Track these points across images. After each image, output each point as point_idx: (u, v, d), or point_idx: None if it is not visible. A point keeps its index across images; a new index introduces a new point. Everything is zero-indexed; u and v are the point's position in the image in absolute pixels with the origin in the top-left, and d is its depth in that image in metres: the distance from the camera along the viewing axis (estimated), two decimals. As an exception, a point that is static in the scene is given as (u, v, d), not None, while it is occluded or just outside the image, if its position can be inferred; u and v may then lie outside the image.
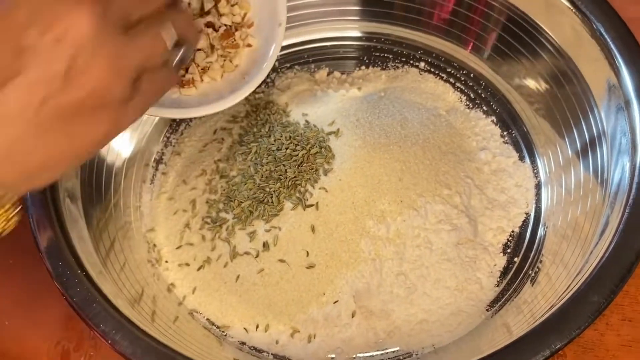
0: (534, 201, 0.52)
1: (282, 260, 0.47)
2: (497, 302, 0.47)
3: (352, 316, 0.46)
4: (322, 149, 0.50)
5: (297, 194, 0.48)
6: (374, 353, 0.46)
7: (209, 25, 0.46)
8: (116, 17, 0.30)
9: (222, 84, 0.46)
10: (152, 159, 0.55)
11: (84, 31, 0.29)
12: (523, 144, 0.54)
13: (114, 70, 0.30)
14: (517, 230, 0.50)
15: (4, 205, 0.33)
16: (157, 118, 0.56)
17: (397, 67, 0.60)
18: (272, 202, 0.48)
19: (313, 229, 0.47)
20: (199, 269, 0.49)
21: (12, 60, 0.28)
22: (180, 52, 0.35)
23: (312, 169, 0.49)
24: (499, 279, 0.48)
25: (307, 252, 0.47)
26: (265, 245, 0.48)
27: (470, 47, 0.58)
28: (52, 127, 0.29)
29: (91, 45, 0.29)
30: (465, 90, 0.58)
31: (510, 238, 0.50)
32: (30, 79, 0.28)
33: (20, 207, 0.35)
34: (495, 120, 0.56)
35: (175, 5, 0.35)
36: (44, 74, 0.28)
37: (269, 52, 0.46)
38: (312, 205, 0.48)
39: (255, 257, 0.48)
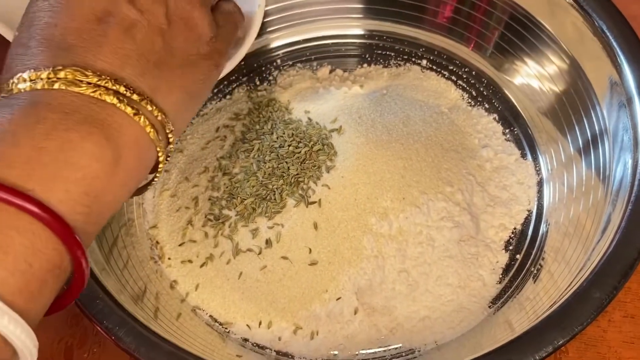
0: (535, 198, 0.52)
1: (284, 257, 0.47)
2: (500, 299, 0.47)
3: (355, 313, 0.46)
4: (325, 146, 0.50)
5: (300, 191, 0.49)
6: (377, 350, 0.46)
7: None
8: None
9: None
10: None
11: None
12: (525, 142, 0.54)
13: (198, 6, 0.34)
14: (519, 227, 0.50)
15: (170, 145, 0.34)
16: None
17: (399, 65, 0.60)
18: (275, 199, 0.49)
19: (316, 226, 0.48)
20: (201, 266, 0.49)
21: (126, 9, 0.31)
22: None
23: (314, 166, 0.49)
24: (501, 276, 0.48)
25: (310, 249, 0.47)
26: (268, 242, 0.48)
27: (472, 45, 0.58)
28: (176, 62, 0.33)
29: None
30: (467, 88, 0.58)
31: (512, 235, 0.50)
32: (147, 23, 0.31)
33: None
34: (497, 117, 0.56)
35: None
36: (155, 17, 0.32)
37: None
38: (314, 202, 0.48)
39: (258, 254, 0.48)
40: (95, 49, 0.29)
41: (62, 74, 0.27)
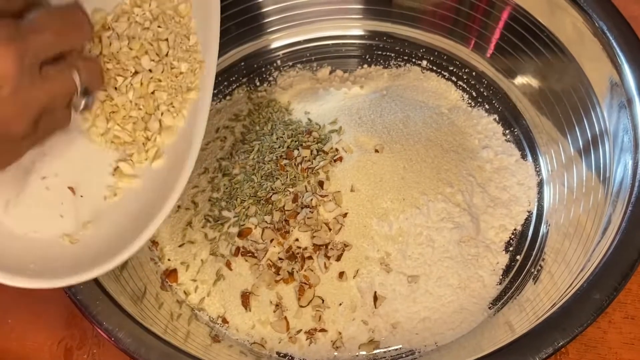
0: (536, 199, 0.52)
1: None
2: (500, 300, 0.47)
3: (354, 313, 0.46)
4: (325, 147, 0.50)
5: (299, 193, 0.48)
6: (377, 351, 0.46)
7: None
8: (33, 59, 0.32)
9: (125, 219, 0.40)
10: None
11: (5, 71, 0.30)
12: (525, 142, 0.54)
13: (22, 111, 0.32)
14: (519, 228, 0.50)
15: None
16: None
17: (400, 66, 0.60)
18: (274, 200, 0.48)
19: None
20: (200, 267, 0.49)
21: None
22: (86, 98, 0.38)
23: (314, 167, 0.49)
24: (501, 277, 0.48)
25: (310, 250, 0.47)
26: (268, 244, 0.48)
27: (472, 46, 0.58)
28: None
29: (9, 85, 0.31)
30: (468, 89, 0.58)
31: (513, 236, 0.50)
32: None
33: None
34: (497, 118, 0.56)
35: (83, 51, 0.38)
36: None
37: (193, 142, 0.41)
38: (314, 205, 0.48)
39: (258, 255, 0.48)
40: None
41: None
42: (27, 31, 0.32)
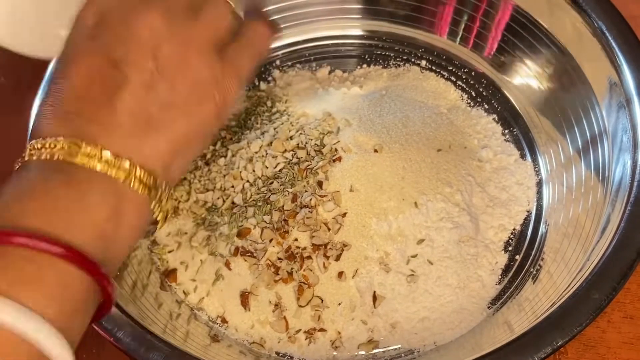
0: (535, 199, 0.52)
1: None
2: (499, 300, 0.47)
3: (353, 313, 0.46)
4: (324, 147, 0.50)
5: (298, 193, 0.48)
6: (376, 350, 0.46)
7: None
8: (180, 7, 0.35)
9: None
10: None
11: (157, 27, 0.33)
12: (524, 142, 0.54)
13: (194, 50, 0.34)
14: (518, 228, 0.50)
15: (164, 198, 0.35)
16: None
17: (399, 66, 0.60)
18: (271, 201, 0.48)
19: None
20: (199, 266, 0.49)
21: (113, 72, 0.33)
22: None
23: (313, 167, 0.49)
24: (500, 277, 0.48)
25: (309, 250, 0.47)
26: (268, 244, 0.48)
27: (471, 45, 0.58)
28: (166, 116, 0.34)
29: (167, 37, 0.34)
30: (467, 89, 0.58)
31: (512, 236, 0.50)
32: (133, 82, 0.33)
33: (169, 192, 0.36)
34: (496, 118, 0.56)
35: None
36: (141, 73, 0.33)
37: None
38: (313, 205, 0.48)
39: (257, 256, 0.48)
40: (88, 117, 0.32)
41: (59, 145, 0.31)
42: None
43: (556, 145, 0.52)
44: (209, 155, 0.53)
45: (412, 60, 0.60)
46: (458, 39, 0.58)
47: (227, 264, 0.48)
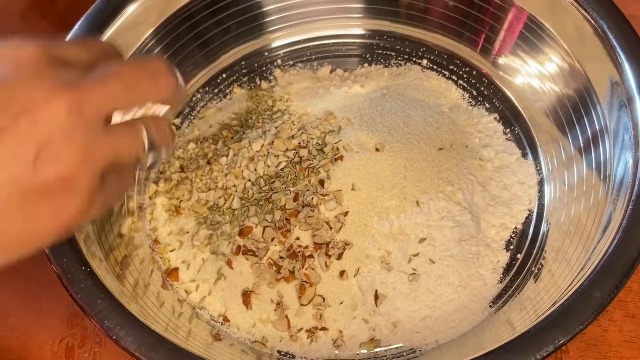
0: (536, 198, 0.52)
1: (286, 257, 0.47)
2: (500, 299, 0.47)
3: (355, 311, 0.46)
4: (325, 146, 0.50)
5: (299, 192, 0.49)
6: (378, 349, 0.46)
7: None
8: (94, 110, 0.31)
9: None
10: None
11: (60, 118, 0.29)
12: (526, 141, 0.54)
13: (85, 160, 0.30)
14: (519, 226, 0.50)
15: None
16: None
17: (400, 65, 0.60)
18: (273, 200, 0.48)
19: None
20: (201, 265, 0.49)
21: None
22: (153, 155, 0.35)
23: (314, 166, 0.49)
24: (502, 276, 0.48)
25: (311, 249, 0.47)
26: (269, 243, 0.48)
27: (472, 44, 0.58)
28: (17, 207, 0.29)
29: (65, 133, 0.29)
30: (468, 88, 0.58)
31: (513, 235, 0.50)
32: (1, 156, 0.28)
33: None
34: (497, 117, 0.56)
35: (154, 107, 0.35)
36: (14, 153, 0.28)
37: None
38: (315, 204, 0.48)
39: (258, 255, 0.48)
40: None
41: None
42: (92, 80, 0.31)
43: (557, 144, 0.52)
44: (210, 155, 0.53)
45: (414, 59, 0.60)
46: (459, 38, 0.58)
47: (229, 263, 0.48)
